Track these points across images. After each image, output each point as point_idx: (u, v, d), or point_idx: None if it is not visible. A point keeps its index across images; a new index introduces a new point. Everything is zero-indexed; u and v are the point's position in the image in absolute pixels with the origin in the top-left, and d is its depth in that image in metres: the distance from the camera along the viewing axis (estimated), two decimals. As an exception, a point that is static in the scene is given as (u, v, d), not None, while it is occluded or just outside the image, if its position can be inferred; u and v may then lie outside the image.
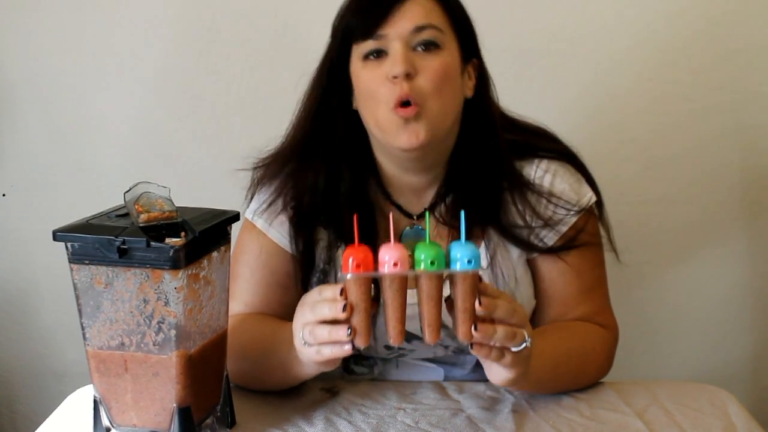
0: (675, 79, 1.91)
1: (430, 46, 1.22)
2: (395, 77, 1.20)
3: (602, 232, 1.36)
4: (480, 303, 1.03)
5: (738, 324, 2.05)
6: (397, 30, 1.21)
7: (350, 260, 1.03)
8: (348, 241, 1.23)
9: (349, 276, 1.03)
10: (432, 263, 1.02)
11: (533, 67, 1.90)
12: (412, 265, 1.03)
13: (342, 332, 1.04)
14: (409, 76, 1.20)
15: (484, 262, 1.29)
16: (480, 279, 1.05)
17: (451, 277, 1.04)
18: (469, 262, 1.03)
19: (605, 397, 1.26)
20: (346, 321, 1.04)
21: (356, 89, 1.27)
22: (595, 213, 1.35)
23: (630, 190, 1.95)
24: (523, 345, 1.07)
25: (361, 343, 1.05)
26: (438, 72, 1.21)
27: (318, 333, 1.06)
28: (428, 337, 1.05)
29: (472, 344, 1.05)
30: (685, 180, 1.96)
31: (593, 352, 1.30)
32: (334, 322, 1.05)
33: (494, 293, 1.07)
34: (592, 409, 1.22)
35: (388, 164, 1.32)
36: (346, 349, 1.05)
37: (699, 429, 1.16)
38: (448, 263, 1.04)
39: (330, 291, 1.06)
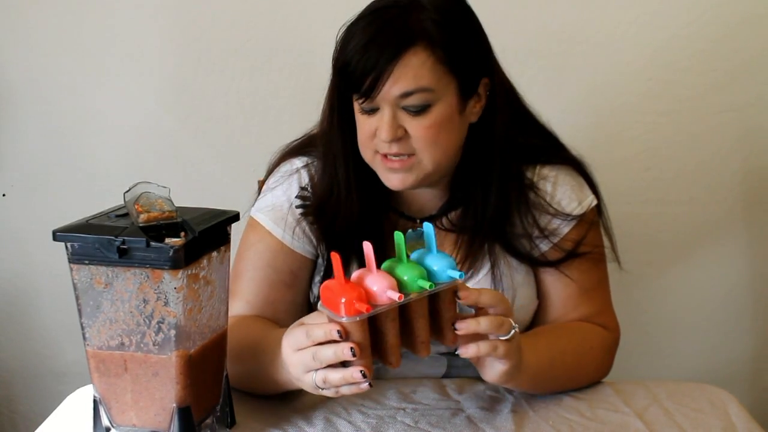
0: (675, 79, 1.91)
1: (418, 107, 1.21)
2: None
3: (605, 238, 1.37)
4: (460, 298, 1.06)
5: (738, 324, 2.05)
6: (385, 96, 1.20)
7: (342, 301, 1.00)
8: (351, 249, 1.25)
9: (348, 319, 1.01)
10: (420, 282, 1.03)
11: (533, 67, 1.90)
12: (400, 288, 1.03)
13: (357, 374, 1.03)
14: (398, 139, 1.21)
15: (485, 268, 1.31)
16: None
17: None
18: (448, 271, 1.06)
19: (605, 397, 1.26)
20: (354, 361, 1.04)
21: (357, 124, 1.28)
22: (597, 221, 1.35)
23: (630, 191, 1.95)
24: (512, 332, 1.09)
25: (369, 378, 1.05)
26: (428, 130, 1.21)
27: (332, 378, 1.05)
28: (423, 352, 1.07)
29: (459, 348, 1.08)
30: (685, 180, 1.96)
31: (591, 350, 1.30)
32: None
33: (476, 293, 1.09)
34: (592, 409, 1.22)
35: None
36: (363, 387, 1.05)
37: (699, 429, 1.16)
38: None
39: (322, 331, 1.04)
